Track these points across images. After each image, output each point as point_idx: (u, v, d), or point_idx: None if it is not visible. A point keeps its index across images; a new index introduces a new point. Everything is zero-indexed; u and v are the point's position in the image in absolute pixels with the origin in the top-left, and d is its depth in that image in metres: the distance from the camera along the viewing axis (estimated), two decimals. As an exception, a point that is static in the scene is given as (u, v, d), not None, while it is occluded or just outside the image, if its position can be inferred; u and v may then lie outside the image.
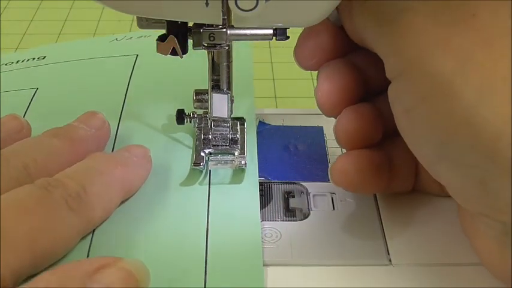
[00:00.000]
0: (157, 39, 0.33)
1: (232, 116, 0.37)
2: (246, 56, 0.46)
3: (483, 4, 0.26)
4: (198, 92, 0.38)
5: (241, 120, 0.39)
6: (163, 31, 0.33)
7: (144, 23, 0.33)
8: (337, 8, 0.32)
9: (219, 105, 0.36)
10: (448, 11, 0.27)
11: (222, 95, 0.36)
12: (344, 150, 0.35)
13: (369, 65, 0.34)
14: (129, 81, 0.45)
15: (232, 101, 0.37)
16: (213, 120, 0.37)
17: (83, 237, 0.31)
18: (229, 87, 0.36)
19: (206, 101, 0.37)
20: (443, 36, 0.26)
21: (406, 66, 0.28)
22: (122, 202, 0.34)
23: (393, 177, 0.34)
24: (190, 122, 0.39)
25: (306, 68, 0.35)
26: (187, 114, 0.39)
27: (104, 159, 0.34)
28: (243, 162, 0.36)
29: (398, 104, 0.29)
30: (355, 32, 0.32)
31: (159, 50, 0.33)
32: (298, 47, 0.35)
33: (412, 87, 0.28)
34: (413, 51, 0.27)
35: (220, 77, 0.36)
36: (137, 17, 0.32)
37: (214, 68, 0.36)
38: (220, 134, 0.37)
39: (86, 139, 0.36)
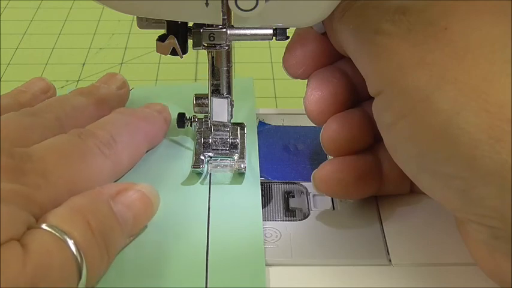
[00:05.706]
0: (157, 39, 0.33)
1: (232, 121, 0.37)
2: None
3: (454, 17, 0.26)
4: (198, 97, 0.38)
5: (241, 125, 0.39)
6: (164, 31, 0.33)
7: (144, 23, 0.33)
8: None
9: (219, 109, 0.36)
10: (420, 28, 0.27)
11: (221, 99, 0.36)
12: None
13: (358, 71, 0.34)
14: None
15: (232, 106, 0.37)
16: (213, 125, 0.37)
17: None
18: (229, 92, 0.36)
19: (206, 106, 0.37)
20: (417, 54, 0.26)
21: (383, 86, 0.28)
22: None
23: (386, 180, 0.34)
24: (191, 125, 0.39)
25: (295, 77, 0.36)
26: (187, 118, 0.39)
27: (128, 113, 0.37)
28: (242, 166, 0.36)
29: (380, 120, 0.30)
30: (339, 46, 0.33)
31: (159, 50, 0.33)
32: (286, 56, 0.35)
33: (391, 105, 0.28)
34: (389, 71, 0.27)
35: (220, 82, 0.36)
36: (137, 17, 0.32)
37: (214, 72, 0.36)
38: (220, 138, 0.37)
39: (108, 97, 0.39)
